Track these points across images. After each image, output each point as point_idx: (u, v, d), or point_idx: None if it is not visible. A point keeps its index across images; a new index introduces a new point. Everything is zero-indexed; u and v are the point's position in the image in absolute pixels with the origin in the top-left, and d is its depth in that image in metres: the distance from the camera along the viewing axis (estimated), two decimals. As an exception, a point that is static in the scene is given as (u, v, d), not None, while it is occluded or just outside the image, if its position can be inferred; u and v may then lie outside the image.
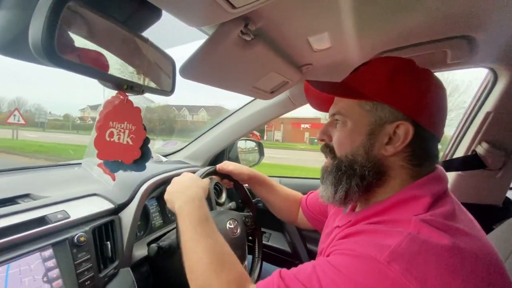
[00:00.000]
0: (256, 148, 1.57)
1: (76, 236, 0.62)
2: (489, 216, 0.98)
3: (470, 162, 0.94)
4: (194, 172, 0.79)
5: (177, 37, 0.67)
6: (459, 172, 1.00)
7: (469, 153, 0.97)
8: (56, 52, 0.28)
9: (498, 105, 0.89)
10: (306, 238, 1.31)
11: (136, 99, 0.46)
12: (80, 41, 0.33)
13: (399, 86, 0.46)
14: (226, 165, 0.87)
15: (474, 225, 0.44)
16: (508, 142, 0.91)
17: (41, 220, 0.60)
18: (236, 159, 1.46)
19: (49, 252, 0.58)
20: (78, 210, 0.68)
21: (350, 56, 0.84)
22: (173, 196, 0.66)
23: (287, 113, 1.22)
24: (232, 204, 1.31)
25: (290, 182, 1.43)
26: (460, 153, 1.01)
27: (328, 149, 0.54)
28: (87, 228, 0.65)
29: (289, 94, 1.11)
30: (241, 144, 1.51)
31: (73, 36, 0.32)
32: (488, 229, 0.90)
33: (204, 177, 0.79)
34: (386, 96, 0.46)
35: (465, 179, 1.00)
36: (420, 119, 0.45)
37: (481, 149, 0.92)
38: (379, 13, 0.61)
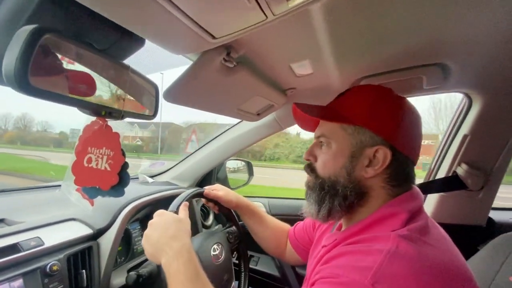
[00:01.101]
0: (245, 168, 1.57)
1: (49, 265, 0.59)
2: (473, 236, 0.99)
3: (451, 183, 0.96)
4: (179, 194, 0.78)
5: (161, 63, 0.69)
6: (442, 194, 1.01)
7: (450, 174, 0.99)
8: (29, 82, 0.28)
9: (474, 128, 0.92)
10: (295, 262, 1.28)
11: (116, 124, 0.46)
12: (57, 68, 0.34)
13: (378, 113, 0.50)
14: (216, 191, 0.84)
15: (446, 239, 0.47)
16: (486, 163, 0.94)
17: (13, 248, 0.57)
18: (224, 180, 1.45)
19: (19, 282, 0.55)
20: (54, 237, 0.65)
21: (332, 81, 0.87)
22: (157, 248, 0.56)
23: (274, 133, 1.23)
24: (219, 227, 1.28)
25: (279, 203, 1.42)
26: (441, 174, 1.03)
27: (309, 169, 0.57)
28: (61, 256, 0.63)
29: (275, 116, 1.13)
30: (230, 164, 1.50)
31: (50, 63, 0.32)
32: (473, 250, 0.91)
33: (189, 199, 0.78)
34: (367, 121, 0.49)
35: (448, 200, 1.01)
36: (397, 144, 0.48)
37: (461, 170, 0.95)
38: (356, 42, 0.64)
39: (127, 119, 0.48)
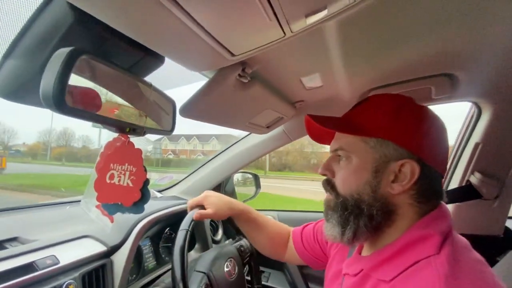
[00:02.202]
0: (253, 180, 1.56)
1: (65, 284, 0.58)
2: (491, 247, 0.97)
3: (465, 193, 0.95)
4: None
5: (178, 79, 0.71)
6: (456, 204, 1.00)
7: (463, 184, 0.98)
8: (65, 102, 0.29)
9: (485, 136, 0.92)
10: (307, 277, 1.25)
11: (137, 141, 0.47)
12: (88, 88, 0.35)
13: (402, 123, 0.46)
14: (204, 212, 0.74)
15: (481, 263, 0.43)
16: (500, 171, 0.93)
17: (29, 267, 0.57)
18: (232, 193, 1.44)
19: (35, 303, 0.54)
20: (68, 254, 0.64)
21: (341, 93, 0.89)
22: None
23: (282, 146, 1.24)
24: (229, 242, 1.26)
25: (288, 215, 1.40)
26: (454, 184, 1.02)
27: (329, 186, 0.52)
28: (76, 274, 0.62)
29: (284, 128, 1.14)
30: (237, 177, 1.50)
31: (80, 81, 0.33)
32: (492, 261, 0.89)
33: (190, 231, 0.69)
34: (390, 133, 0.46)
35: (463, 210, 0.99)
36: (424, 156, 0.45)
37: (474, 179, 0.94)
38: (365, 54, 0.66)
39: (148, 136, 0.49)
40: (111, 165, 0.43)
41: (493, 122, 0.90)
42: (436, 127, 0.48)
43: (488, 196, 0.93)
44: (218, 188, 1.39)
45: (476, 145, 0.94)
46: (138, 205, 0.46)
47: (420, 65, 0.73)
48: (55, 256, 0.62)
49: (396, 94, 0.51)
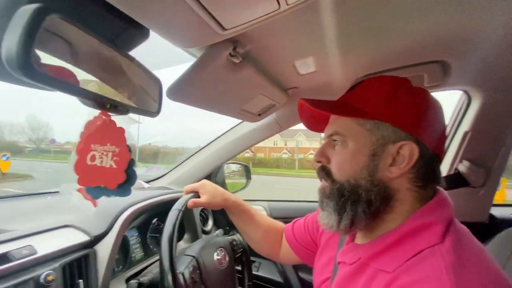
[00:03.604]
0: (243, 171, 1.54)
1: (43, 275, 0.54)
2: (477, 233, 0.99)
3: (454, 181, 0.96)
4: (176, 198, 0.74)
5: (162, 60, 0.67)
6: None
7: (452, 172, 1.00)
8: (31, 65, 0.25)
9: (474, 125, 0.93)
10: (298, 267, 1.25)
11: (119, 120, 0.43)
12: (60, 55, 0.31)
13: (399, 104, 0.44)
14: (198, 200, 0.75)
15: (482, 251, 0.42)
16: (487, 159, 0.95)
17: (3, 257, 0.53)
18: (222, 183, 1.41)
19: (9, 294, 0.50)
20: (47, 245, 0.60)
21: (334, 79, 0.87)
22: None
23: (273, 135, 1.22)
24: (219, 232, 1.24)
25: (280, 206, 1.39)
26: (443, 172, 1.03)
27: (324, 172, 0.50)
28: (56, 265, 0.58)
29: (275, 116, 1.12)
30: (228, 167, 1.47)
31: (54, 48, 0.30)
32: (478, 247, 0.91)
33: (183, 211, 0.70)
34: (387, 114, 0.44)
35: (450, 198, 1.01)
36: (423, 138, 0.43)
37: (463, 168, 0.95)
38: (360, 37, 0.64)
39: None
40: (92, 145, 0.40)
41: (482, 111, 0.91)
42: (433, 108, 0.46)
43: (476, 184, 0.94)
44: (208, 178, 1.36)
45: (465, 133, 0.95)
46: (124, 187, 0.43)
47: (414, 51, 0.73)
48: (32, 246, 0.58)
49: (392, 76, 0.49)
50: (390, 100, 0.45)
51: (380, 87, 0.47)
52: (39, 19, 0.26)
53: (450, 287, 0.33)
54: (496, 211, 1.06)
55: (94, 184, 0.40)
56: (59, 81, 0.30)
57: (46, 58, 0.29)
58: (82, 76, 0.34)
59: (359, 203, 0.44)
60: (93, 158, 0.39)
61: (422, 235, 0.41)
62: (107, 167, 0.41)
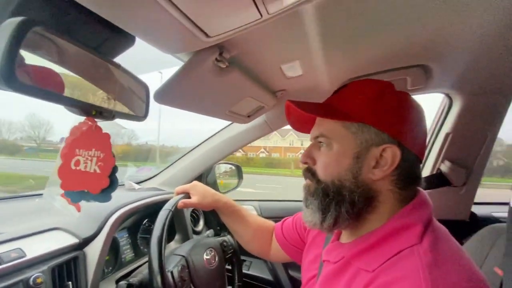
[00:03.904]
0: (235, 171, 1.56)
1: (32, 278, 0.55)
2: (458, 231, 1.03)
3: (436, 180, 1.00)
4: (166, 200, 0.75)
5: (150, 63, 0.67)
6: (427, 191, 1.05)
7: (434, 172, 1.03)
8: (16, 77, 0.26)
9: (455, 127, 0.97)
10: (288, 265, 1.28)
11: (105, 125, 0.44)
12: (45, 65, 0.32)
13: (383, 108, 0.46)
14: (189, 199, 0.77)
15: (459, 249, 0.44)
16: (468, 159, 0.98)
17: (-9, 261, 0.53)
18: (214, 184, 1.42)
19: (-3, 298, 0.51)
20: (36, 247, 0.61)
21: (320, 82, 0.89)
22: None
23: (264, 136, 1.24)
24: (210, 232, 1.25)
25: (270, 205, 1.41)
26: (426, 172, 1.07)
27: (310, 173, 0.51)
28: (45, 267, 0.59)
29: (265, 118, 1.13)
30: (219, 168, 1.48)
31: (38, 59, 0.31)
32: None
33: (173, 212, 0.71)
34: (371, 117, 0.45)
35: (433, 197, 1.03)
36: (404, 141, 0.45)
37: (445, 167, 0.99)
38: (344, 42, 0.66)
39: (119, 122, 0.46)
40: (77, 150, 0.41)
41: (462, 113, 0.94)
42: (415, 112, 0.48)
43: (457, 183, 0.98)
44: (199, 179, 1.37)
45: (447, 135, 0.99)
46: (105, 192, 0.44)
47: (396, 56, 0.75)
48: (21, 249, 0.58)
49: (377, 80, 0.50)
50: (374, 104, 0.46)
51: (365, 91, 0.48)
52: (23, 31, 0.27)
53: (426, 286, 0.35)
54: (477, 209, 1.10)
55: (78, 189, 0.41)
56: (44, 91, 0.31)
57: (31, 68, 0.30)
58: (67, 83, 0.35)
59: (343, 203, 0.46)
60: (77, 163, 0.40)
61: (402, 235, 0.42)
62: (91, 172, 0.41)
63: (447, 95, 0.97)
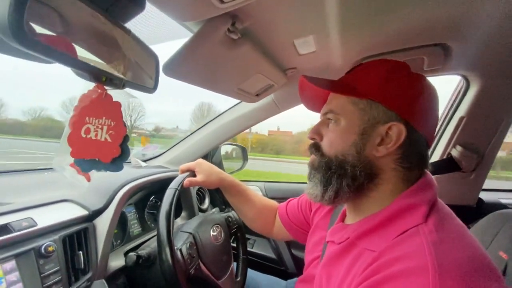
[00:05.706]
0: (240, 153, 1.55)
1: (44, 246, 0.56)
2: (464, 216, 1.03)
3: (446, 165, 0.98)
4: (173, 177, 0.75)
5: (158, 34, 0.65)
6: (435, 175, 1.04)
7: (445, 157, 1.01)
8: (25, 32, 0.25)
9: (471, 110, 0.94)
10: (291, 244, 1.30)
11: (115, 94, 0.43)
12: (56, 22, 0.30)
13: (393, 86, 0.46)
14: (195, 178, 0.77)
15: (464, 229, 0.44)
16: (480, 145, 0.96)
17: (3, 229, 0.54)
18: (219, 164, 1.43)
19: (11, 264, 0.52)
20: (47, 217, 0.62)
21: (333, 61, 0.86)
22: None
23: (271, 116, 1.22)
24: (216, 210, 1.27)
25: (275, 186, 1.42)
26: (436, 157, 1.05)
27: (314, 148, 0.52)
28: (56, 237, 0.60)
29: (273, 97, 1.11)
30: (225, 149, 1.48)
31: (48, 14, 0.29)
32: (464, 228, 0.95)
33: (179, 190, 0.70)
34: (380, 95, 0.45)
35: (441, 182, 1.04)
36: (412, 121, 0.44)
37: (455, 152, 0.97)
38: (361, 18, 0.63)
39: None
40: (87, 118, 0.40)
41: (480, 96, 0.91)
42: (428, 94, 0.47)
43: (467, 169, 0.97)
44: (205, 158, 1.37)
45: (461, 119, 0.96)
46: (117, 162, 0.43)
47: (415, 34, 0.72)
48: (32, 218, 0.59)
49: (392, 60, 0.50)
50: (386, 82, 0.46)
51: (378, 69, 0.48)
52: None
53: (431, 262, 0.35)
54: (485, 195, 1.09)
55: (88, 157, 0.40)
56: (55, 50, 0.29)
57: (39, 29, 0.28)
58: (77, 47, 0.33)
59: (344, 177, 0.46)
60: (87, 131, 0.39)
61: (407, 216, 0.42)
62: (102, 141, 0.41)
63: (464, 77, 0.93)
